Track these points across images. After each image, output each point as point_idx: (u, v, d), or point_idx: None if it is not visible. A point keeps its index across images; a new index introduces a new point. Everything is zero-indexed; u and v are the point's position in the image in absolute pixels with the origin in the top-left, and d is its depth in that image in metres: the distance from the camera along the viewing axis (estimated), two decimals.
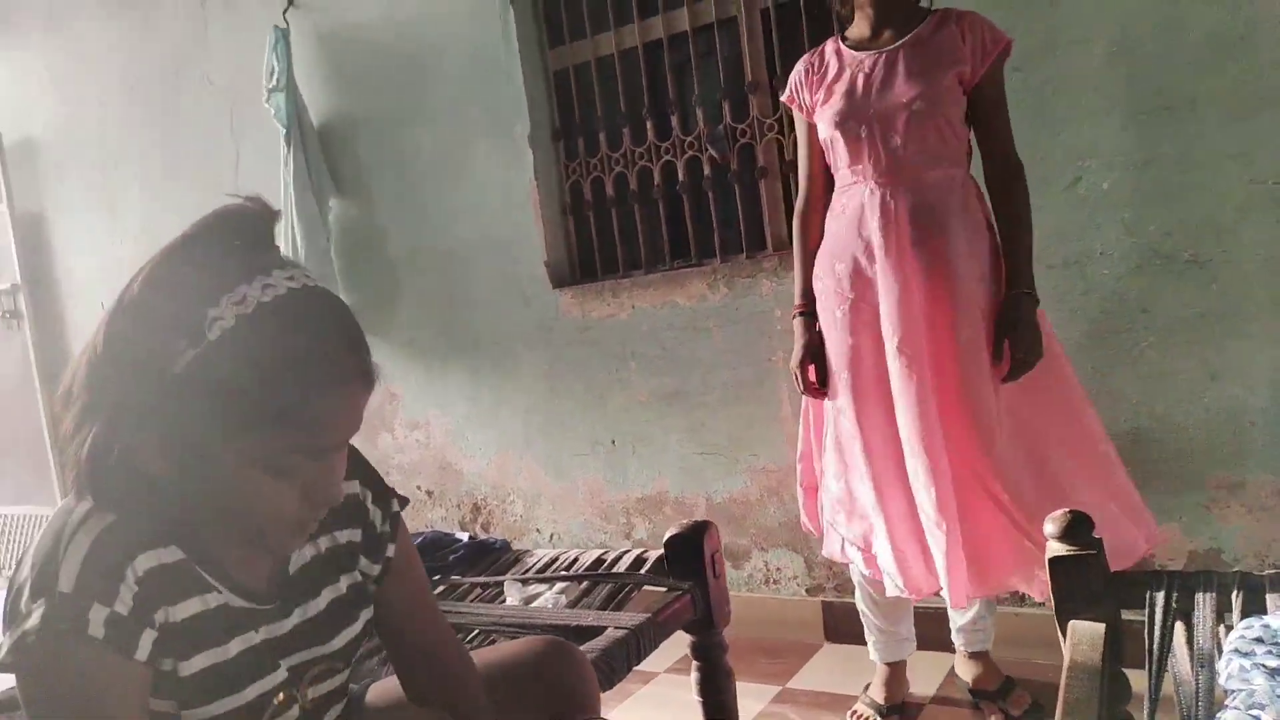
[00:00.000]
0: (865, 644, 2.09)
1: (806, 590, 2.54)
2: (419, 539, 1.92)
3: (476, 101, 2.87)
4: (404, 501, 1.11)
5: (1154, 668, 1.17)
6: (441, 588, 1.79)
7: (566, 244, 2.90)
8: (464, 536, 1.94)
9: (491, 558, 1.88)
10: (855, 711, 2.07)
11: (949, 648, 2.13)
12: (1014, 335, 1.75)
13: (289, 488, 0.86)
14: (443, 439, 3.15)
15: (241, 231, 0.86)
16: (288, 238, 3.08)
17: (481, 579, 1.77)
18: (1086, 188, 2.07)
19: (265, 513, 0.86)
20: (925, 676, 2.17)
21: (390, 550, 1.07)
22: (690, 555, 1.57)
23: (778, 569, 2.57)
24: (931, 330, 1.77)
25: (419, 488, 3.24)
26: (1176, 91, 1.96)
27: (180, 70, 3.51)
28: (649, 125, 2.70)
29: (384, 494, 1.08)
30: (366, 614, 1.05)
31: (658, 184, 2.71)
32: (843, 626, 2.45)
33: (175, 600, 0.87)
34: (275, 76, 3.06)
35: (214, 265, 0.83)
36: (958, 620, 2.06)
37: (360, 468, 1.05)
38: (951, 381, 1.77)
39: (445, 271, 3.03)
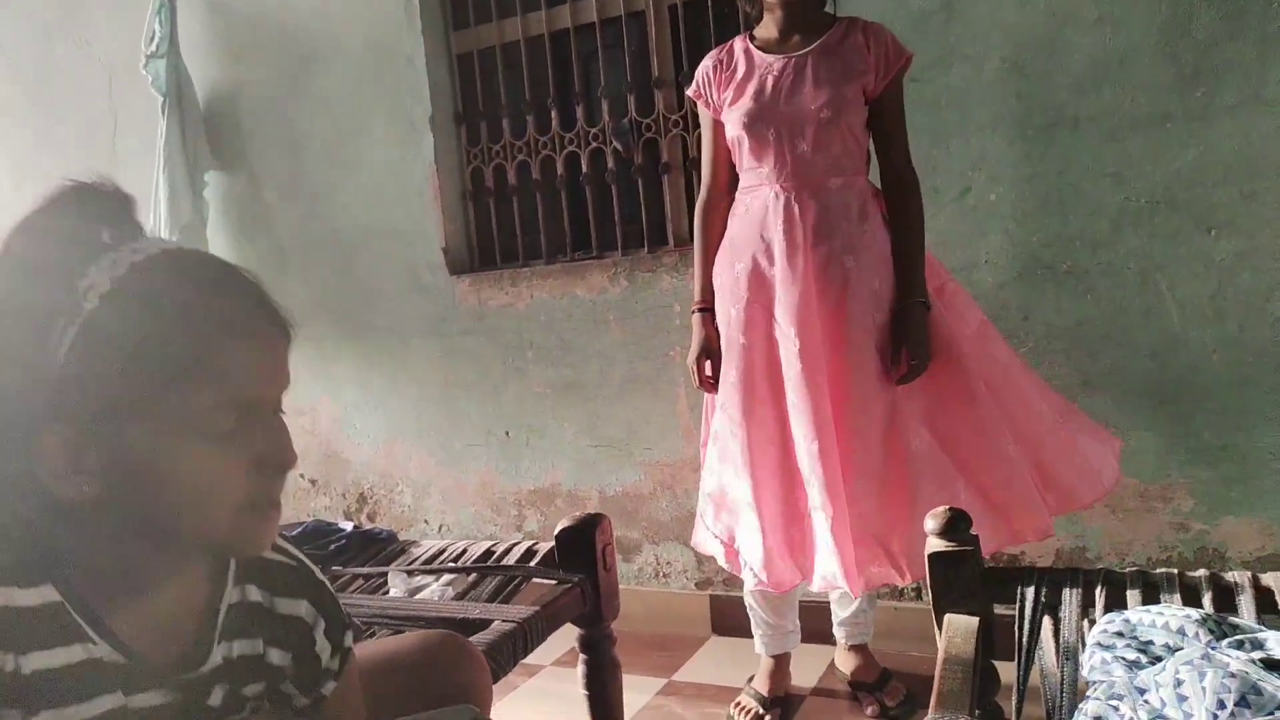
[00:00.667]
0: (751, 637, 2.12)
1: (695, 584, 2.56)
2: (299, 529, 1.85)
3: (375, 81, 2.79)
4: (358, 632, 0.97)
5: (1022, 660, 1.22)
6: None
7: (466, 231, 2.84)
8: (348, 526, 1.88)
9: (376, 548, 1.82)
10: (739, 703, 2.09)
11: (830, 640, 2.18)
12: (907, 343, 1.80)
13: (235, 459, 0.75)
14: (329, 426, 3.05)
15: (100, 204, 0.76)
16: (154, 212, 2.93)
17: (365, 570, 1.71)
18: (975, 198, 2.15)
19: (217, 496, 0.75)
20: (807, 669, 2.22)
21: (328, 689, 0.93)
22: (581, 548, 1.56)
23: (668, 563, 2.58)
24: (827, 332, 1.81)
25: (303, 475, 3.13)
26: (1060, 110, 2.04)
27: (53, 32, 3.29)
28: (553, 114, 2.67)
29: (339, 626, 0.92)
30: None
31: (561, 174, 2.69)
32: (730, 620, 2.48)
33: (26, 649, 0.73)
34: (156, 42, 2.90)
35: (74, 237, 0.74)
36: (839, 614, 2.11)
37: (314, 589, 0.90)
38: (842, 384, 1.81)
39: (336, 255, 2.93)
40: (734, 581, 2.46)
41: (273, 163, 3.00)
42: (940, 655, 1.26)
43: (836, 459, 1.78)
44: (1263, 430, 1.96)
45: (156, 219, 2.94)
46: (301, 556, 0.91)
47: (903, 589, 2.28)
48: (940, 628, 1.35)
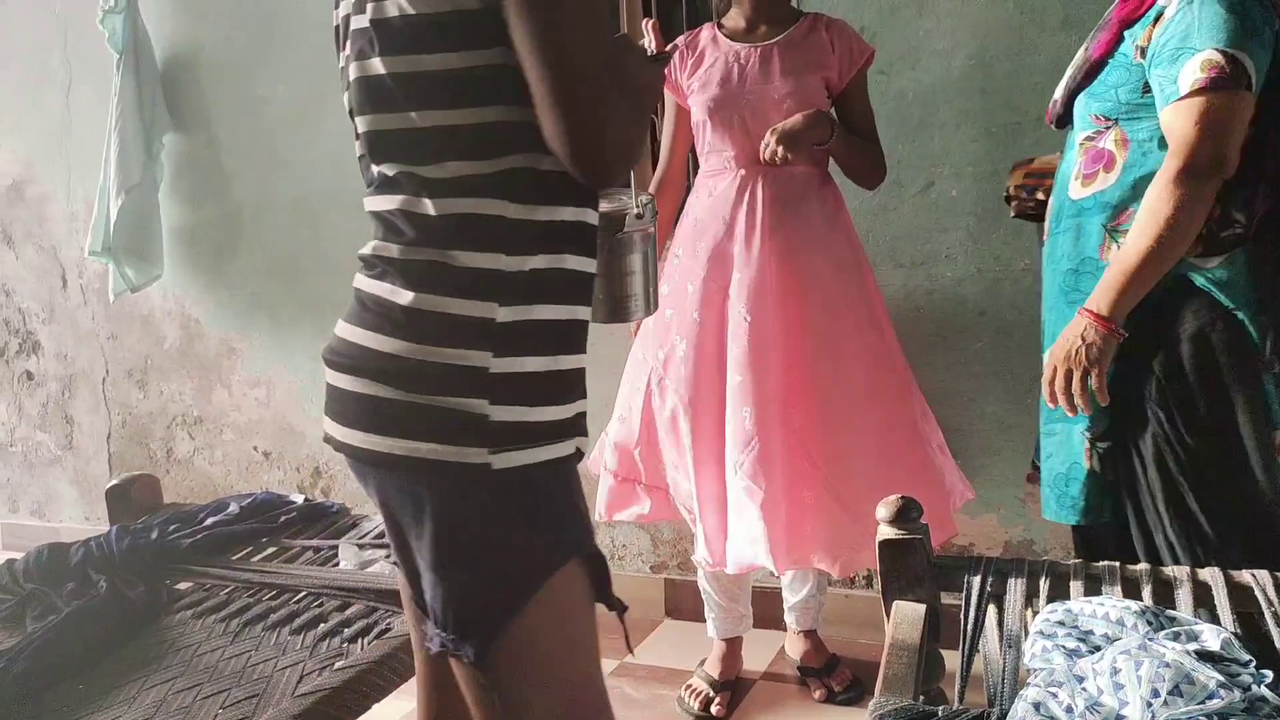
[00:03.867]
0: (705, 621, 2.14)
1: (651, 567, 2.57)
2: (248, 499, 1.82)
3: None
4: None
5: (966, 647, 1.24)
6: (271, 549, 1.71)
7: None
8: (299, 499, 1.86)
9: (327, 521, 1.80)
10: (690, 685, 2.11)
11: (782, 626, 2.20)
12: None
13: None
14: (285, 399, 3.01)
15: None
16: (104, 172, 2.86)
17: (315, 542, 1.70)
18: (937, 193, 2.17)
19: None
20: (757, 653, 2.24)
21: None
22: None
23: (623, 545, 2.59)
24: (781, 309, 1.84)
25: (255, 448, 3.08)
26: (1024, 110, 2.07)
27: None
28: None
29: None
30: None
31: None
32: (684, 604, 2.49)
33: None
34: None
35: None
36: (790, 599, 2.13)
37: None
38: (797, 360, 1.83)
39: (297, 223, 2.88)
40: (688, 566, 2.47)
41: (233, 126, 2.93)
42: (887, 641, 1.28)
43: (778, 437, 1.81)
44: None
45: (106, 179, 2.87)
46: None
47: (854, 576, 2.31)
48: (888, 614, 1.37)
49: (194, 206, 3.02)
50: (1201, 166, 1.30)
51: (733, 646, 2.12)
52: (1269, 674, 1.02)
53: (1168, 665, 0.96)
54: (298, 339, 2.95)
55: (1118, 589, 1.28)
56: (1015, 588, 1.31)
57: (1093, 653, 1.09)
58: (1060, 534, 2.15)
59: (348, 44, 0.97)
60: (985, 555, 2.02)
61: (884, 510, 1.37)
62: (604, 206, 1.09)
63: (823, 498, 1.84)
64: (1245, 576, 1.27)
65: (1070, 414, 1.42)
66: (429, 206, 0.91)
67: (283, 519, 1.76)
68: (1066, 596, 1.29)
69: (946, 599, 1.37)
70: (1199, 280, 1.39)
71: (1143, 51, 1.38)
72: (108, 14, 2.83)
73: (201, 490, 3.17)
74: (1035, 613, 1.25)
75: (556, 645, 0.94)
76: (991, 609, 1.30)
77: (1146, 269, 1.33)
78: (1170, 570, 1.31)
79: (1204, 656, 1.04)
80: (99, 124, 2.93)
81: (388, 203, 0.95)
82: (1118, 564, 1.33)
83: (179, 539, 1.66)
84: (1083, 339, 1.37)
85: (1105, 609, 1.17)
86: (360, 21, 0.93)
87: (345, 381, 0.93)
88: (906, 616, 1.32)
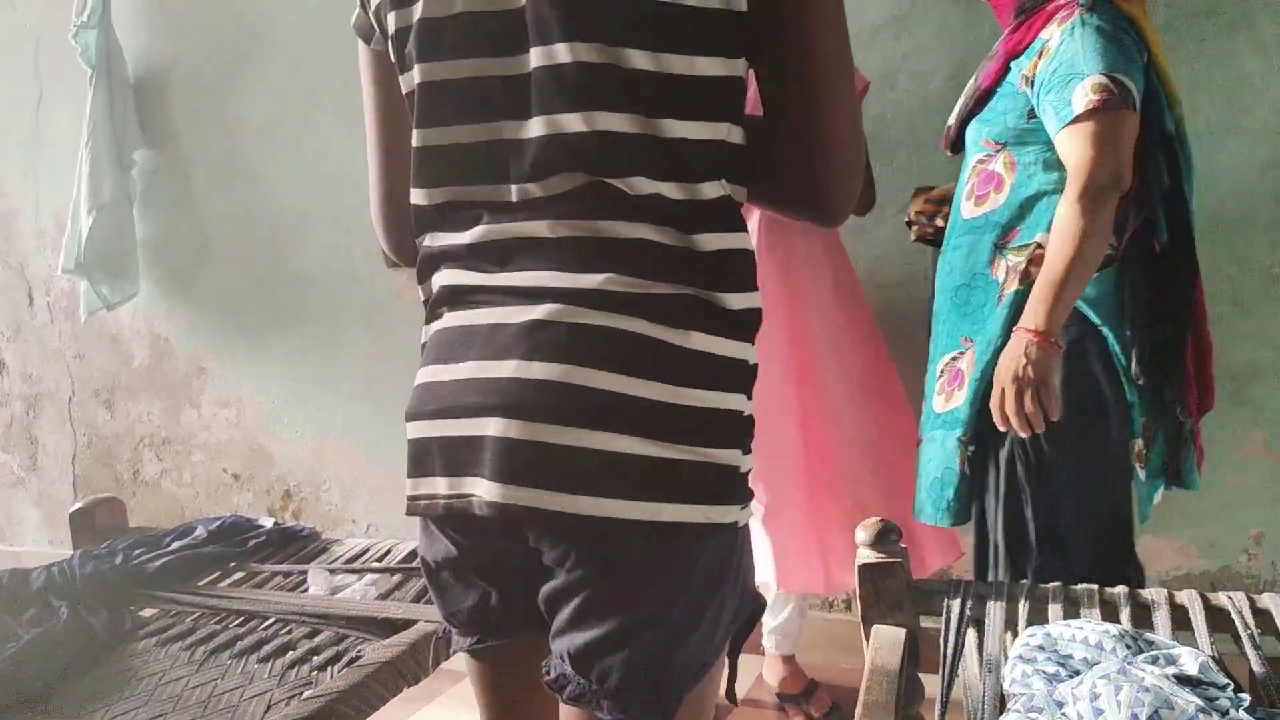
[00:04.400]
0: None
1: None
2: (216, 523, 1.78)
3: (321, 64, 2.72)
4: None
5: (946, 672, 1.23)
6: (238, 574, 1.67)
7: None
8: (268, 523, 1.82)
9: (297, 545, 1.77)
10: None
11: (759, 650, 2.18)
12: None
13: None
14: (255, 419, 2.96)
15: None
16: (76, 189, 2.83)
17: (284, 566, 1.66)
18: None
19: None
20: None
21: None
22: None
23: None
24: (782, 328, 1.87)
25: (225, 470, 3.03)
26: None
27: None
28: None
29: None
30: None
31: None
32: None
33: None
34: (88, 11, 2.79)
35: None
36: (770, 622, 2.11)
37: None
38: (800, 379, 1.87)
39: (270, 241, 2.85)
40: None
41: (205, 144, 2.90)
42: (866, 666, 1.26)
43: (785, 454, 1.84)
44: None
45: (77, 196, 2.83)
46: None
47: (833, 600, 2.30)
48: (868, 638, 1.35)
49: (165, 223, 2.98)
50: (1103, 182, 1.37)
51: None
52: (1247, 697, 1.02)
53: (1147, 690, 0.95)
54: (270, 358, 2.91)
55: (1096, 612, 1.28)
56: (994, 611, 1.30)
57: (1072, 677, 1.08)
58: None
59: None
60: (964, 578, 2.02)
61: (863, 533, 1.36)
62: None
63: (831, 516, 1.84)
64: (1222, 599, 1.27)
65: (1023, 433, 1.45)
66: (681, 235, 0.78)
67: (251, 543, 1.73)
68: (1045, 620, 1.28)
69: (926, 622, 1.36)
70: None
71: (1028, 81, 1.46)
72: (80, 29, 2.80)
73: (169, 513, 3.11)
74: (1014, 636, 1.25)
75: (707, 706, 0.90)
76: (971, 633, 1.29)
77: (1070, 282, 1.39)
78: (1148, 593, 1.30)
79: (1183, 680, 1.03)
80: (69, 140, 2.89)
81: (627, 229, 0.78)
82: (1096, 586, 1.32)
83: (144, 564, 1.62)
84: (1026, 356, 1.41)
85: (1084, 633, 1.16)
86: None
87: (591, 439, 0.75)
88: (886, 641, 1.30)
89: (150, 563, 1.62)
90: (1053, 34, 1.44)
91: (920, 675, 1.31)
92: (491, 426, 0.78)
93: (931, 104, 2.13)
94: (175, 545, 1.71)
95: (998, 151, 1.53)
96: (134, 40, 2.91)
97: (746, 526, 0.85)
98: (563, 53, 0.76)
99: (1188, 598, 1.27)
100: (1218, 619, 1.25)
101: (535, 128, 0.78)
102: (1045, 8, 1.49)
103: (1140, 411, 1.48)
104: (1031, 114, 1.47)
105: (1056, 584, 1.33)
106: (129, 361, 3.10)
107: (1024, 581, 1.35)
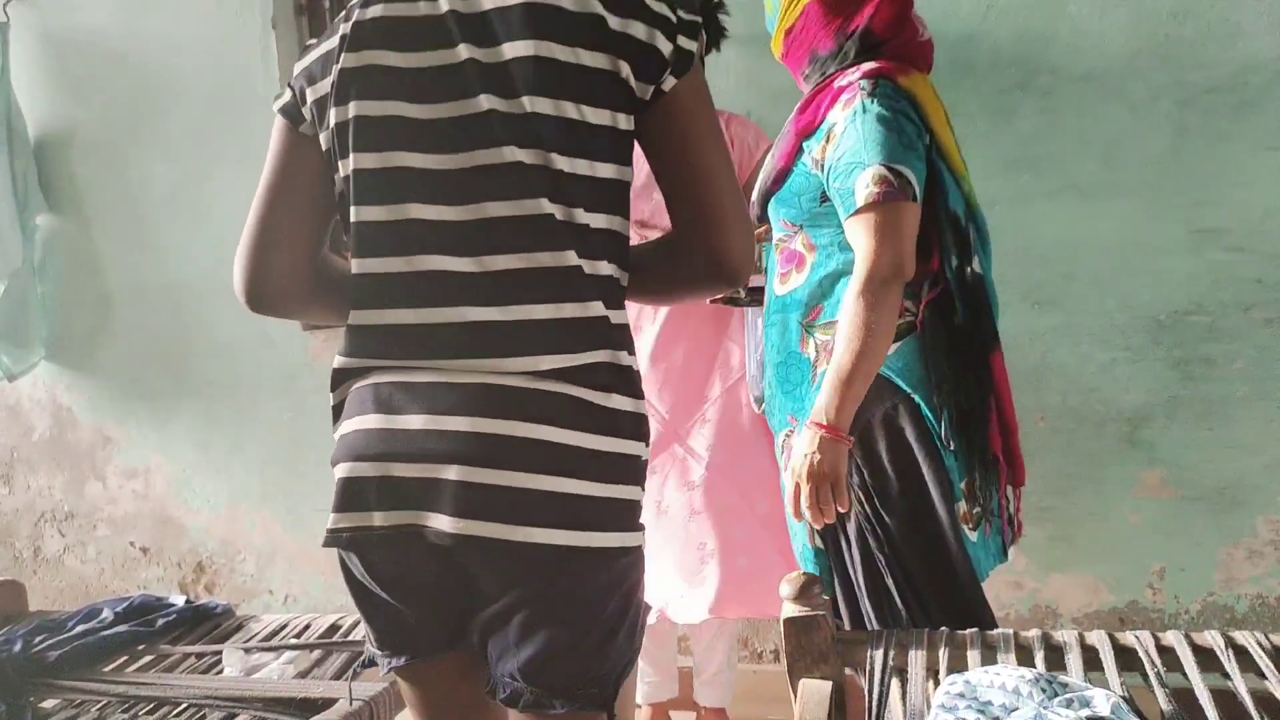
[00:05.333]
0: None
1: None
2: (123, 604, 1.71)
3: (226, 127, 2.68)
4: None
5: None
6: (148, 657, 1.60)
7: None
8: (179, 600, 1.75)
9: (210, 624, 1.70)
10: None
11: (691, 705, 2.17)
12: None
13: None
14: (164, 490, 2.86)
15: None
16: None
17: (196, 647, 1.60)
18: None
19: None
20: None
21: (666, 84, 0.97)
22: None
23: None
24: (723, 360, 1.99)
25: (133, 544, 2.91)
26: None
27: None
28: None
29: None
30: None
31: None
32: None
33: None
34: None
35: None
36: (702, 673, 2.12)
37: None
38: (736, 409, 1.97)
39: (177, 307, 2.78)
40: None
41: (108, 207, 2.83)
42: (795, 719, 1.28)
43: (719, 488, 1.93)
44: (1081, 492, 2.11)
45: None
46: None
47: (761, 651, 2.31)
48: (795, 692, 1.37)
49: (68, 289, 2.88)
50: (883, 273, 1.41)
51: (658, 712, 2.12)
52: None
53: None
54: (179, 426, 2.82)
55: (1012, 656, 1.32)
56: (916, 660, 1.33)
57: None
58: None
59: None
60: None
61: (787, 587, 1.38)
62: None
63: (764, 549, 1.88)
64: (1129, 638, 1.33)
65: (818, 525, 1.50)
66: (604, 309, 0.96)
67: (161, 623, 1.66)
68: (965, 666, 1.31)
69: (851, 673, 1.38)
70: (881, 369, 1.48)
71: (819, 165, 1.49)
72: None
73: (73, 592, 2.96)
74: (936, 684, 1.28)
75: (632, 693, 1.15)
76: (895, 682, 1.31)
77: (856, 375, 1.42)
78: (1060, 635, 1.35)
79: None
80: None
81: (596, 309, 0.96)
82: (1012, 631, 1.37)
83: (45, 650, 1.54)
84: (819, 452, 1.44)
85: (1002, 678, 1.19)
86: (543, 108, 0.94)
87: (538, 481, 0.91)
88: (813, 695, 1.32)
89: (52, 649, 1.54)
90: (838, 118, 1.47)
91: None
92: (451, 472, 0.91)
93: None
94: (79, 629, 1.63)
95: (796, 233, 1.56)
96: (33, 101, 2.83)
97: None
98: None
99: (1097, 639, 1.33)
100: (1127, 658, 1.30)
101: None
102: (831, 82, 1.51)
103: (960, 475, 1.50)
104: (824, 197, 1.49)
105: (974, 630, 1.37)
106: (29, 433, 2.97)
107: (943, 630, 1.39)
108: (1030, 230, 2.09)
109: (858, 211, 1.42)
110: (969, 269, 1.50)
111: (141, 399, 2.85)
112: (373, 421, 0.96)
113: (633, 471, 0.97)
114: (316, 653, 1.54)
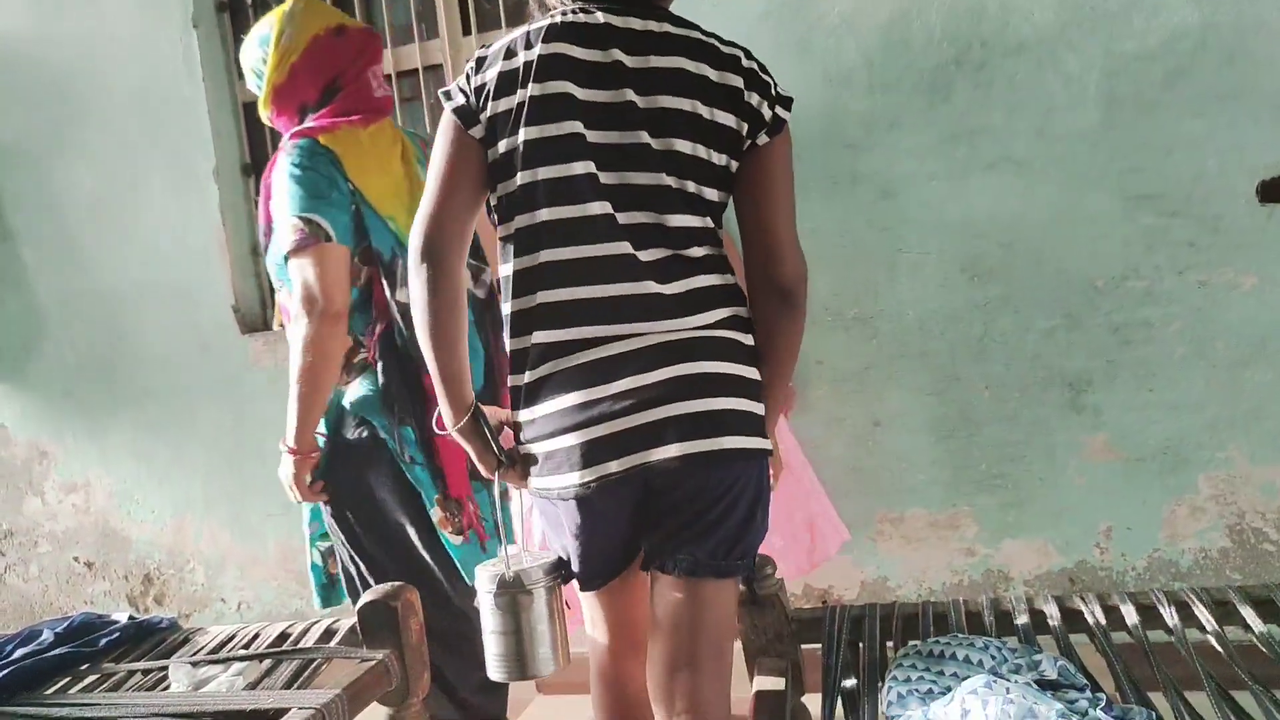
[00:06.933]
0: (576, 693, 2.08)
1: None
2: (64, 624, 1.65)
3: (150, 133, 2.61)
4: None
5: (827, 698, 1.25)
6: (92, 677, 1.55)
7: (259, 288, 2.69)
8: (122, 617, 1.70)
9: (155, 639, 1.65)
10: None
11: None
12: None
13: None
14: (106, 503, 2.78)
15: None
16: None
17: (142, 664, 1.55)
18: None
19: None
20: None
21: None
22: (385, 621, 1.48)
23: None
24: None
25: (76, 559, 2.83)
26: (840, 169, 2.18)
27: None
28: None
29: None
30: None
31: None
32: (554, 678, 2.42)
33: None
34: None
35: None
36: None
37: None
38: None
39: (109, 317, 2.70)
40: None
41: (33, 218, 2.73)
42: (752, 700, 1.28)
43: None
44: (1030, 459, 2.14)
45: None
46: None
47: None
48: (752, 671, 1.37)
49: None
50: (305, 308, 1.61)
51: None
52: (1104, 696, 1.08)
53: (1012, 702, 1.00)
54: (117, 438, 2.74)
55: (964, 624, 1.34)
56: (870, 633, 1.34)
57: (945, 693, 1.12)
58: (912, 569, 2.23)
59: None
60: (842, 601, 2.08)
61: None
62: (507, 572, 1.29)
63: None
64: (1076, 601, 1.35)
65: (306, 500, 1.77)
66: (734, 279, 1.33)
67: (104, 642, 1.61)
68: (918, 636, 1.32)
69: (807, 647, 1.39)
70: (344, 400, 1.73)
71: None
72: None
73: (15, 611, 2.87)
74: (890, 656, 1.29)
75: None
76: (850, 657, 1.32)
77: (304, 401, 1.65)
78: (1009, 602, 1.37)
79: (1045, 685, 1.09)
80: None
81: (720, 279, 1.29)
82: (962, 600, 1.38)
83: None
84: (286, 466, 1.71)
85: (953, 647, 1.21)
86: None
87: (721, 403, 1.22)
88: (770, 673, 1.33)
89: None
90: (272, 177, 1.69)
91: (807, 699, 1.34)
92: (675, 409, 1.21)
93: None
94: (18, 654, 1.57)
95: (282, 286, 1.74)
96: None
97: None
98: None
99: (1045, 604, 1.35)
100: (1074, 620, 1.33)
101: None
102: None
103: (433, 487, 1.73)
104: None
105: (923, 600, 1.38)
106: None
107: (895, 601, 1.40)
108: (968, 203, 2.11)
109: (286, 259, 1.63)
110: (400, 299, 1.71)
111: (77, 412, 2.76)
112: (581, 395, 1.22)
113: (759, 392, 1.28)
114: (266, 662, 1.50)
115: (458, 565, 1.77)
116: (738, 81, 1.25)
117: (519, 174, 1.23)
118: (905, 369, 2.19)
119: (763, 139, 1.28)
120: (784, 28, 2.17)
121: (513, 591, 1.26)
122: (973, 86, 2.09)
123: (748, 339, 1.28)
